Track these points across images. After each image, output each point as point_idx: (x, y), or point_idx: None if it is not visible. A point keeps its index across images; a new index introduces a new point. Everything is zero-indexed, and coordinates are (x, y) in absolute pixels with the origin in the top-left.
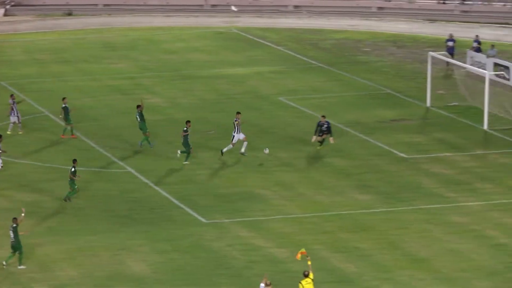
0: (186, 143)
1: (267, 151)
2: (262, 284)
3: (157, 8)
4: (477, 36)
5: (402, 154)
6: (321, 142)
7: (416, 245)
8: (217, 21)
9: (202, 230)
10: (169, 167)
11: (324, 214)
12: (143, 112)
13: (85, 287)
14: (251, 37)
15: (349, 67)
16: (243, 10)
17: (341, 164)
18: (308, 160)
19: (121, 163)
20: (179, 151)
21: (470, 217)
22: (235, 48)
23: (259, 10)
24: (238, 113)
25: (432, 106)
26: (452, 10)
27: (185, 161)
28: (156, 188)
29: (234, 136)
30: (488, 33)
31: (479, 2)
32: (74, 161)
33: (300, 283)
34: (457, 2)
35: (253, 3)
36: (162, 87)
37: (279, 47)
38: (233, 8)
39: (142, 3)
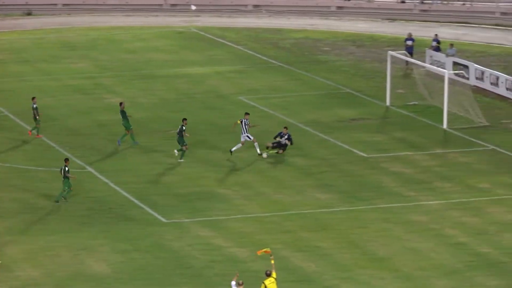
0: (181, 141)
1: (265, 155)
2: (233, 282)
3: (116, 8)
4: (436, 35)
5: (362, 153)
6: (273, 148)
7: (376, 244)
8: (176, 21)
9: (162, 230)
10: (129, 167)
11: (285, 213)
12: (125, 110)
13: (46, 287)
14: (210, 36)
15: (309, 67)
16: (203, 9)
17: (301, 163)
18: (269, 159)
19: (81, 163)
20: (176, 150)
21: (429, 216)
22: (194, 48)
23: (218, 10)
24: (246, 113)
25: (391, 105)
26: (411, 10)
27: (180, 158)
28: (116, 187)
29: (248, 136)
30: (447, 32)
31: (438, 2)
32: (66, 160)
33: (263, 282)
34: (417, 1)
35: (213, 3)
36: (122, 87)
37: (238, 47)
38: (192, 7)
39: (101, 3)
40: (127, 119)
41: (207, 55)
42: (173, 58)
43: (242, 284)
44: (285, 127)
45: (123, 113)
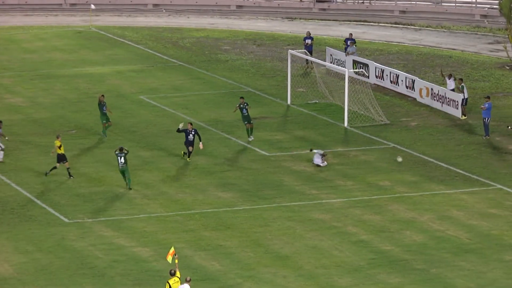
0: (248, 118)
1: (400, 159)
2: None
3: (15, 8)
4: (350, 34)
5: (263, 152)
6: (188, 153)
7: (279, 242)
8: (76, 20)
9: (65, 230)
10: (30, 167)
11: (187, 213)
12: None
13: None
14: (110, 36)
15: (209, 66)
16: (102, 8)
17: (203, 162)
18: (170, 158)
19: None
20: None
21: (331, 214)
22: (94, 47)
23: (118, 9)
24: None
25: (292, 104)
26: (310, 8)
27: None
28: (18, 188)
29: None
30: (346, 31)
31: (339, 0)
32: (122, 148)
33: (168, 282)
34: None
35: (112, 2)
36: (22, 87)
37: (139, 46)
38: (92, 6)
39: (0, 3)
40: (104, 114)
41: (107, 55)
42: (73, 58)
43: (189, 281)
44: (190, 123)
45: (101, 105)
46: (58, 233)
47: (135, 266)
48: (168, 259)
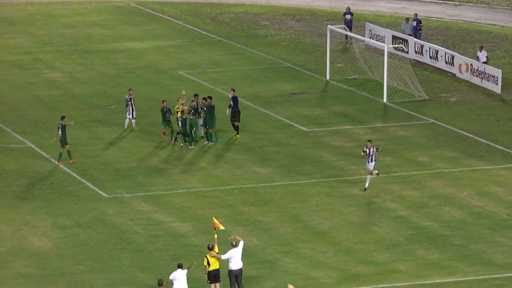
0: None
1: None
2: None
3: None
4: (416, 14)
5: (302, 127)
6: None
7: (318, 218)
8: None
9: (103, 205)
10: (69, 142)
11: (226, 188)
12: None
13: None
14: (149, 11)
15: (248, 41)
16: None
17: (242, 138)
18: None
19: (21, 138)
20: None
21: (370, 190)
22: (133, 22)
23: None
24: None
25: (331, 79)
26: None
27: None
28: (57, 163)
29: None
30: (385, 6)
31: None
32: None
33: (206, 256)
34: None
35: None
36: (62, 62)
37: (178, 21)
38: None
39: None
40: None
41: (146, 30)
42: (112, 33)
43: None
44: (232, 89)
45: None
46: (97, 208)
47: (173, 241)
48: (220, 227)
